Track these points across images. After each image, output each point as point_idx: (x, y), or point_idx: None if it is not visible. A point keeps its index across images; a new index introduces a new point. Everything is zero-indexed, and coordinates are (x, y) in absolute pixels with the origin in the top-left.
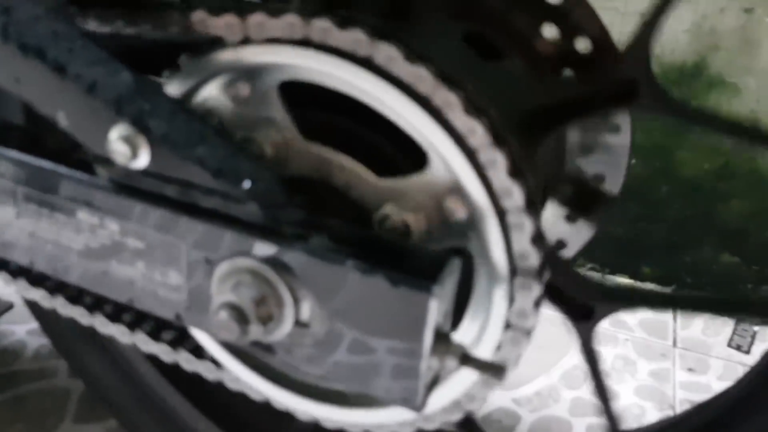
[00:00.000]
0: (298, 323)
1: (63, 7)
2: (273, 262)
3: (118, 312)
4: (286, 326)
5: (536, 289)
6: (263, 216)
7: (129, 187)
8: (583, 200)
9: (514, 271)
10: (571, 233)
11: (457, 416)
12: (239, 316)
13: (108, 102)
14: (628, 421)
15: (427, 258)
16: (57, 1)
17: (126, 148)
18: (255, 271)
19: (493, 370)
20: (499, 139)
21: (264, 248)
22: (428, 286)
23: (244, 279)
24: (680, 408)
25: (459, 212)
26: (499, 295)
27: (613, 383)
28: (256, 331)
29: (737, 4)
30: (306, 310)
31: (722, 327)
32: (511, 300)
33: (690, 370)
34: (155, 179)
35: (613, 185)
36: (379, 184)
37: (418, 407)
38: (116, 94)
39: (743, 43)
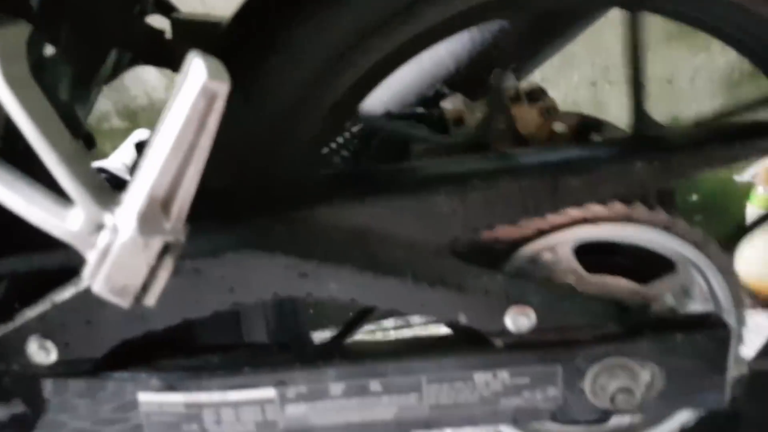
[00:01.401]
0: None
1: (437, 247)
2: (631, 352)
3: None
4: (639, 393)
5: None
6: (618, 327)
7: (520, 344)
8: None
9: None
10: None
11: None
12: (629, 393)
13: (500, 296)
14: None
15: (702, 316)
16: (436, 245)
17: (525, 320)
18: (619, 363)
19: None
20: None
21: (626, 347)
22: (727, 327)
23: (615, 371)
24: None
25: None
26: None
27: None
28: (640, 398)
29: (585, 81)
30: (647, 378)
31: None
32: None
33: None
34: (539, 332)
35: None
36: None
37: (724, 402)
38: (503, 289)
39: (596, 107)
